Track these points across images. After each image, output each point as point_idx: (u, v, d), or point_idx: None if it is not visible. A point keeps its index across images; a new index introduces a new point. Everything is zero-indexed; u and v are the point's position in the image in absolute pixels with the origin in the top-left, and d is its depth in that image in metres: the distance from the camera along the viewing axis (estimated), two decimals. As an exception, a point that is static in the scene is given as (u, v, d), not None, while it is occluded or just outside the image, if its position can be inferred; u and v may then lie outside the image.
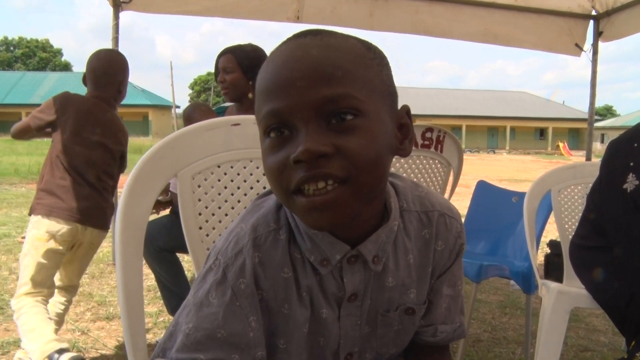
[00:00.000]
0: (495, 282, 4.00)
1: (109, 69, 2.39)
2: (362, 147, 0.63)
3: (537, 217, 2.42)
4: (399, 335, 0.83)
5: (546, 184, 2.23)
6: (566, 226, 2.21)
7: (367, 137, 0.64)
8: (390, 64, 0.73)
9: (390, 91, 0.70)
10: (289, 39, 0.68)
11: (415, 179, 1.82)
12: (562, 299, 1.72)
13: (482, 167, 20.65)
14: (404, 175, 1.78)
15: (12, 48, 70.94)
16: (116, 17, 4.31)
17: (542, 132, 53.03)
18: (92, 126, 2.29)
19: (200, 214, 1.17)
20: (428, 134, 1.80)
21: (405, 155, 0.72)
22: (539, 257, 4.56)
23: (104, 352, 2.56)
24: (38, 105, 2.40)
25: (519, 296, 3.58)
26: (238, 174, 1.21)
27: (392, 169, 1.78)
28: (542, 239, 5.29)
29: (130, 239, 1.06)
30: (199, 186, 1.17)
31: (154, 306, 3.21)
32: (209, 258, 0.76)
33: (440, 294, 0.84)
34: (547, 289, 1.82)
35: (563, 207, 2.22)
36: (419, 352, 0.88)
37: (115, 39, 4.35)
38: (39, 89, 50.19)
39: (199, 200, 1.17)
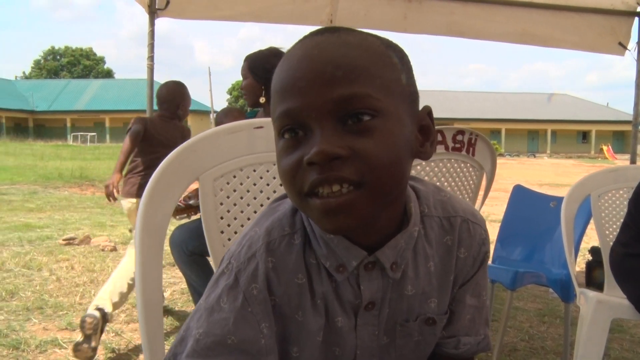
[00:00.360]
0: (533, 289, 3.88)
1: (167, 96, 3.36)
2: (380, 150, 0.60)
3: (576, 222, 2.33)
4: (418, 346, 0.78)
5: (585, 188, 2.14)
6: (607, 232, 2.12)
7: (385, 139, 0.61)
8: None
9: (411, 91, 0.67)
10: (305, 37, 0.66)
11: (445, 183, 1.78)
12: (602, 309, 1.64)
13: (522, 171, 20.19)
14: (430, 178, 1.74)
15: (58, 57, 73.55)
16: (152, 23, 4.38)
17: (584, 135, 51.56)
18: (158, 134, 3.17)
19: (222, 218, 1.16)
20: (459, 137, 1.75)
21: (425, 158, 0.69)
22: (580, 264, 4.41)
23: (136, 354, 2.59)
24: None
25: (558, 304, 3.46)
26: (261, 178, 1.19)
27: (421, 173, 1.74)
28: (584, 245, 5.12)
29: (150, 241, 1.05)
30: (221, 189, 1.16)
31: (189, 308, 3.24)
32: (222, 261, 0.74)
33: (463, 304, 0.79)
34: (586, 298, 1.74)
35: (603, 213, 2.13)
36: None
37: (151, 45, 4.43)
38: (83, 96, 51.82)
39: (221, 204, 1.16)
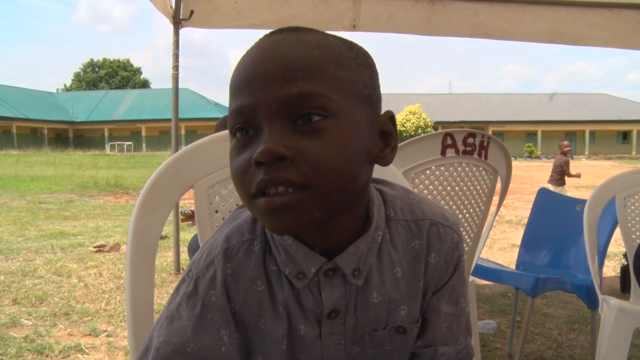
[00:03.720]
0: (564, 295, 3.75)
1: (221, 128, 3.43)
2: (327, 153, 0.58)
3: (603, 225, 2.24)
4: (391, 356, 0.74)
5: (610, 190, 2.06)
6: (633, 237, 2.03)
7: (335, 141, 0.58)
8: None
9: (370, 94, 0.65)
10: (263, 36, 0.64)
11: (457, 188, 1.73)
12: (623, 317, 1.57)
13: (559, 174, 19.64)
14: (440, 183, 1.69)
15: (97, 69, 75.66)
16: (176, 33, 4.46)
17: (625, 136, 49.98)
18: None
19: (216, 226, 1.15)
20: (470, 140, 1.70)
21: (385, 164, 0.66)
22: (616, 268, 4.24)
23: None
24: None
25: (589, 311, 3.34)
26: (257, 185, 1.18)
27: (431, 177, 1.70)
28: (617, 249, 4.94)
29: (142, 251, 1.05)
30: (216, 197, 1.15)
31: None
32: (185, 270, 0.73)
33: (438, 312, 0.74)
34: (608, 305, 1.67)
35: (629, 216, 2.04)
36: None
37: (176, 55, 4.51)
38: (120, 106, 53.16)
39: (216, 212, 1.16)
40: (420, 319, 0.75)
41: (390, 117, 0.68)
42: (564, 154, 8.12)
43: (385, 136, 0.67)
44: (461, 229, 1.84)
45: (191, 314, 0.68)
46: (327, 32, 0.65)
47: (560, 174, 8.01)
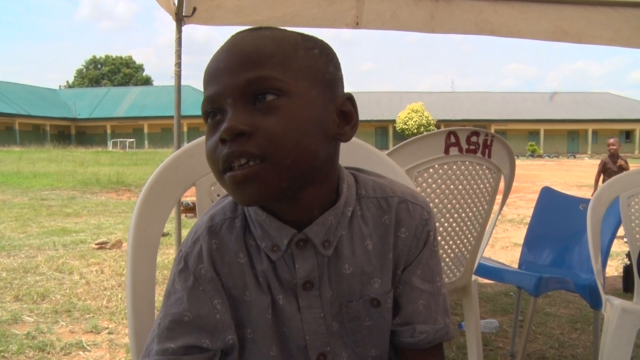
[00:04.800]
0: (566, 294, 3.74)
1: None
2: (280, 127, 0.65)
3: (607, 225, 2.23)
4: (372, 332, 0.79)
5: (614, 190, 2.04)
6: (637, 236, 2.02)
7: (287, 117, 0.66)
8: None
9: (328, 78, 0.72)
10: (231, 35, 0.72)
11: (460, 186, 1.73)
12: (627, 318, 1.55)
13: (561, 173, 19.68)
14: (443, 181, 1.68)
15: (99, 66, 75.74)
16: (179, 31, 4.43)
17: (628, 135, 49.83)
18: None
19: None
20: (474, 138, 1.69)
21: (344, 140, 0.74)
22: (619, 268, 4.23)
23: None
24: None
25: (592, 310, 3.32)
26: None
27: (434, 176, 1.69)
28: (620, 248, 4.93)
29: (144, 249, 1.04)
30: (218, 195, 1.14)
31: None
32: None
33: (411, 287, 0.78)
34: (611, 306, 1.66)
35: (633, 216, 2.02)
36: (409, 357, 0.81)
37: (178, 52, 4.48)
38: (122, 103, 53.21)
39: (218, 209, 1.15)
40: (393, 291, 0.79)
41: (349, 97, 0.75)
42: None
43: (345, 115, 0.74)
44: (464, 227, 1.83)
45: (184, 285, 0.75)
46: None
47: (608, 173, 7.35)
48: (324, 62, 0.72)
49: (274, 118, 0.65)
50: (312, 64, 0.70)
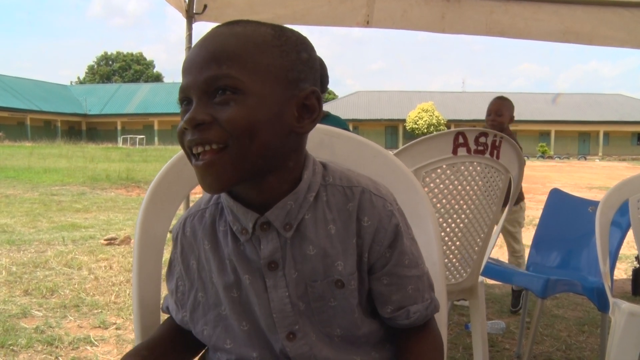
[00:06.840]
0: (574, 296, 3.72)
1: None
2: (235, 118, 0.72)
3: (617, 228, 2.21)
4: (337, 313, 0.84)
5: (623, 192, 2.03)
6: (646, 240, 2.00)
7: (242, 109, 0.73)
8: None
9: (289, 74, 0.77)
10: (211, 29, 0.79)
11: (468, 187, 1.73)
12: (634, 321, 1.55)
13: (571, 175, 19.55)
14: (451, 182, 1.68)
15: (110, 62, 76.16)
16: (189, 28, 4.46)
17: (639, 137, 49.37)
18: None
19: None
20: (482, 139, 1.68)
21: (302, 133, 0.79)
22: (628, 271, 4.20)
23: None
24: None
25: (600, 313, 3.30)
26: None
27: (442, 177, 1.69)
28: (630, 251, 4.89)
29: (150, 246, 1.05)
30: (225, 193, 1.15)
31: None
32: None
33: (399, 277, 0.84)
34: (618, 309, 1.65)
35: (643, 219, 2.01)
36: (405, 339, 0.89)
37: (189, 49, 4.51)
38: (133, 100, 53.47)
39: (225, 207, 1.15)
40: (358, 274, 0.83)
41: (313, 91, 0.79)
42: None
43: (308, 108, 0.79)
44: (471, 228, 1.83)
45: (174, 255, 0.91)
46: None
47: None
48: (290, 59, 0.77)
49: (229, 110, 0.73)
50: (274, 62, 0.76)
